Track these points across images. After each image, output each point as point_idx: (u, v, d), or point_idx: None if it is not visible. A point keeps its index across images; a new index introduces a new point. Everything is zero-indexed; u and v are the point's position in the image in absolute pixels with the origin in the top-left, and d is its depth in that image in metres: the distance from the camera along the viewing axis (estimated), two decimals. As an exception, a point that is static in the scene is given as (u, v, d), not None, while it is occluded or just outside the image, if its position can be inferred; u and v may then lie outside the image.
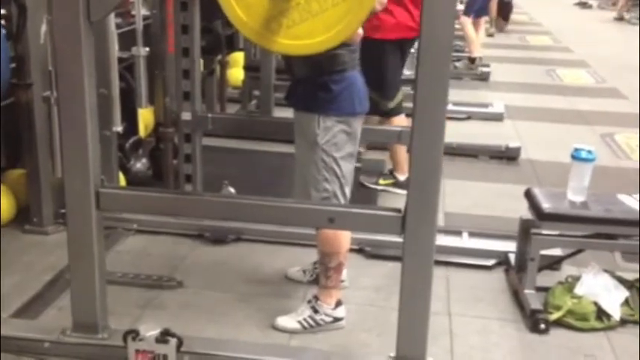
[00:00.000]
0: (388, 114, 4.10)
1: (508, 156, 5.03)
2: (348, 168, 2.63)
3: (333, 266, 2.72)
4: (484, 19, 8.43)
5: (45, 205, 3.54)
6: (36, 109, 3.41)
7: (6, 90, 3.30)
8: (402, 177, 4.21)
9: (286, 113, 2.78)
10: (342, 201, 2.61)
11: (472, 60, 7.89)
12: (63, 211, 2.44)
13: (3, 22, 3.23)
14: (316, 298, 2.78)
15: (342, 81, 2.53)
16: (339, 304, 2.79)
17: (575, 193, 3.01)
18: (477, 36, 8.09)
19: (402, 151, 4.18)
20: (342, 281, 3.04)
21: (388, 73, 4.05)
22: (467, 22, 7.86)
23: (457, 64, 7.90)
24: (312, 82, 2.53)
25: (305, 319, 2.75)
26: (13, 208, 3.63)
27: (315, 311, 2.76)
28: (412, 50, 4.33)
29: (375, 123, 3.99)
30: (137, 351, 2.29)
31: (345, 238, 2.73)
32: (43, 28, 3.31)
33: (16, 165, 3.74)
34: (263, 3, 1.85)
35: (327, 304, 2.76)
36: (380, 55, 3.91)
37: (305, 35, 1.91)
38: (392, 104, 4.11)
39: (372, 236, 3.33)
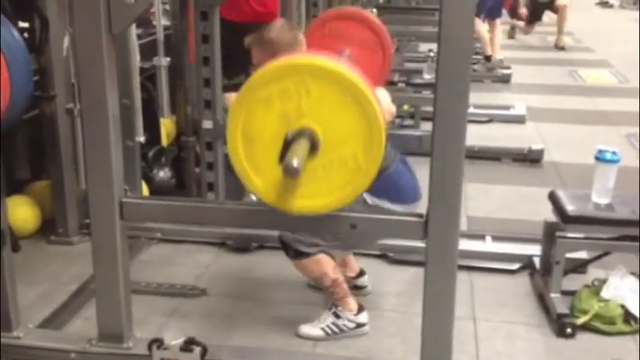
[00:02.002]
0: None
1: (531, 158, 4.99)
2: None
3: (329, 284, 2.73)
4: (499, 21, 8.37)
5: (70, 215, 3.58)
6: (59, 121, 3.45)
7: (30, 102, 3.34)
8: None
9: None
10: None
11: (487, 58, 7.88)
12: (87, 221, 2.46)
13: (26, 34, 3.27)
14: (337, 304, 2.77)
15: (386, 180, 2.52)
16: (361, 309, 2.78)
17: (600, 195, 2.98)
18: (494, 37, 8.07)
19: None
20: (364, 287, 3.05)
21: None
22: (477, 22, 7.86)
23: (476, 66, 7.87)
24: None
25: (328, 326, 2.75)
26: (39, 219, 3.67)
27: (338, 317, 2.75)
28: (432, 54, 4.34)
29: None
30: (162, 360, 2.30)
31: (324, 259, 2.70)
32: (66, 40, 3.34)
33: (41, 176, 3.78)
34: (272, 165, 1.92)
35: (348, 310, 2.76)
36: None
37: (309, 196, 1.98)
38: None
39: (394, 242, 3.32)
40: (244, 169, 1.98)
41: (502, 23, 11.40)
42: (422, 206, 2.16)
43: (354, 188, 1.97)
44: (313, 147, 1.90)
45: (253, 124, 1.93)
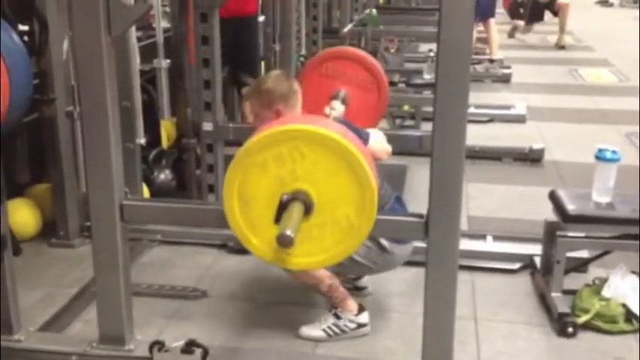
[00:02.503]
0: None
1: (532, 158, 4.99)
2: None
3: (326, 289, 2.74)
4: (493, 21, 8.36)
5: (70, 218, 3.58)
6: (59, 124, 3.45)
7: (29, 106, 3.34)
8: None
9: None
10: None
11: (491, 60, 7.93)
12: (88, 224, 2.46)
13: (25, 38, 3.27)
14: (337, 306, 2.77)
15: None
16: (361, 310, 2.78)
17: (601, 194, 2.98)
18: (490, 38, 8.08)
19: None
20: (364, 288, 3.05)
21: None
22: (491, 24, 7.93)
23: (477, 66, 7.88)
24: None
25: (329, 327, 2.75)
26: (39, 223, 3.67)
27: (339, 318, 2.75)
28: (432, 54, 4.36)
29: None
30: (163, 362, 2.30)
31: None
32: (65, 43, 3.35)
33: (42, 180, 3.78)
34: (268, 225, 1.99)
35: (349, 311, 2.76)
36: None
37: (304, 255, 2.04)
38: None
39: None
40: (240, 229, 2.06)
41: (501, 23, 11.46)
42: (422, 206, 2.16)
43: (347, 246, 2.04)
44: (307, 209, 1.97)
45: (249, 186, 2.01)
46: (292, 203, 1.95)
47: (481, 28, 8.49)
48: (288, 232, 1.86)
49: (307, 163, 1.96)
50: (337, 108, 3.19)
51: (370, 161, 2.01)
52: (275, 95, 2.63)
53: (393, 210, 2.73)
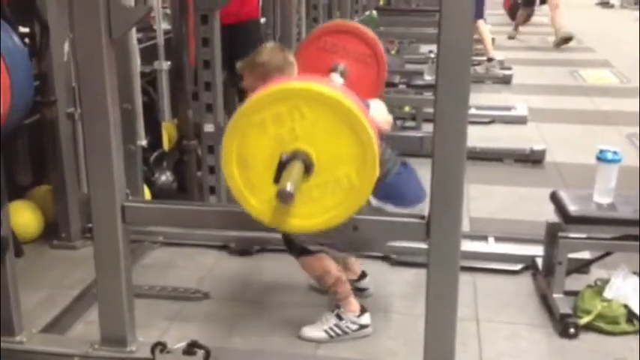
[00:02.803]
0: None
1: (533, 159, 4.99)
2: None
3: (332, 283, 2.74)
4: (482, 21, 8.32)
5: (72, 220, 3.58)
6: (60, 126, 3.45)
7: (30, 107, 3.35)
8: None
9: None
10: None
11: (489, 59, 7.96)
12: (90, 225, 2.46)
13: (26, 40, 3.28)
14: (339, 306, 2.77)
15: (390, 184, 2.54)
16: (363, 311, 2.78)
17: (602, 195, 2.98)
18: (483, 37, 8.07)
19: None
20: (365, 289, 3.04)
21: None
22: (481, 24, 7.93)
23: (477, 67, 7.87)
24: None
25: (331, 328, 2.75)
26: (41, 224, 3.68)
27: (340, 319, 2.75)
28: (432, 55, 4.36)
29: None
30: (165, 363, 2.30)
31: (325, 256, 2.71)
32: (66, 45, 3.35)
33: (43, 181, 3.78)
34: (267, 185, 1.96)
35: (351, 312, 2.76)
36: None
37: (305, 216, 2.02)
38: None
39: (396, 243, 3.32)
40: (240, 191, 2.02)
41: (502, 24, 11.48)
42: (424, 208, 2.16)
43: (348, 207, 2.01)
44: (307, 169, 1.94)
45: (248, 148, 1.98)
46: (292, 162, 1.92)
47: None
48: (288, 187, 1.83)
49: (307, 123, 1.92)
50: (336, 81, 3.16)
51: (371, 121, 1.97)
52: (270, 67, 2.59)
53: (399, 175, 2.68)
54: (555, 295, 2.91)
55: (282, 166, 1.94)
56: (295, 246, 2.69)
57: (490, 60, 7.88)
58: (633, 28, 10.86)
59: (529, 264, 3.28)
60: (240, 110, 1.97)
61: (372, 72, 3.38)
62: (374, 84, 3.39)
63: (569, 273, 2.95)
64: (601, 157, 2.96)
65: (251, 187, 2.01)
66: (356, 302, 2.79)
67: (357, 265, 3.09)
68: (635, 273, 2.95)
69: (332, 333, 2.75)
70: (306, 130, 1.93)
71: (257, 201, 2.01)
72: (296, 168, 1.91)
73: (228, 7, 3.82)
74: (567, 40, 10.18)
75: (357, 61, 3.34)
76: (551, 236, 2.99)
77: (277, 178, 1.93)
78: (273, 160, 1.96)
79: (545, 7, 11.12)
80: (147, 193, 3.86)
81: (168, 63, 3.70)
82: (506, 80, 7.70)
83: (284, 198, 1.85)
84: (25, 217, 3.59)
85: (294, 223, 2.03)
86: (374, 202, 2.59)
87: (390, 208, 2.63)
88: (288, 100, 1.93)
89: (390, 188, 2.57)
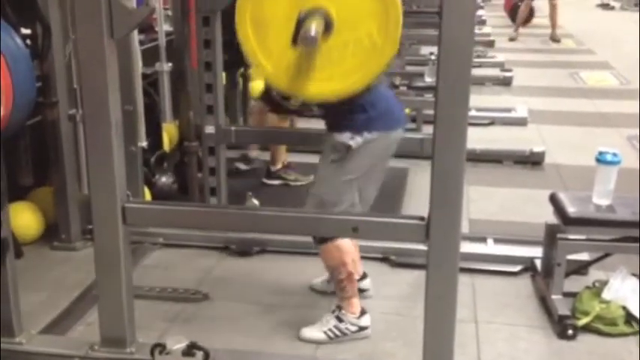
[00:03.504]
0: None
1: (533, 161, 4.99)
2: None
3: (344, 277, 2.73)
4: None
5: (73, 221, 3.59)
6: (62, 127, 3.46)
7: (32, 109, 3.36)
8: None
9: (309, 124, 2.80)
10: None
11: None
12: (90, 227, 2.47)
13: (28, 41, 3.29)
14: (340, 307, 2.78)
15: (372, 101, 2.47)
16: (363, 312, 2.79)
17: (601, 197, 2.99)
18: None
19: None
20: (367, 290, 3.05)
21: None
22: None
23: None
24: (342, 107, 2.42)
25: (330, 329, 2.76)
26: (41, 225, 3.68)
27: (340, 320, 2.76)
28: (433, 57, 4.36)
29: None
30: (165, 364, 2.31)
31: (346, 248, 2.71)
32: (68, 46, 3.36)
33: (44, 182, 3.79)
34: (284, 49, 1.87)
35: (351, 313, 2.77)
36: None
37: (324, 83, 1.93)
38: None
39: (396, 245, 3.33)
40: (255, 55, 1.92)
41: (502, 26, 11.49)
42: (423, 209, 2.16)
43: (369, 69, 1.91)
44: (327, 26, 1.83)
45: (263, 8, 1.87)
46: (311, 18, 1.81)
47: None
48: (313, 31, 1.72)
49: None
50: None
51: None
52: None
53: (385, 93, 2.62)
54: (554, 297, 2.92)
55: (300, 25, 1.83)
56: None
57: None
58: (633, 30, 10.86)
59: (528, 265, 3.29)
60: None
61: None
62: None
63: (567, 274, 2.96)
64: (600, 159, 2.97)
65: (267, 51, 1.91)
66: (358, 303, 2.80)
67: (360, 264, 3.10)
68: (633, 275, 2.96)
69: (331, 334, 2.76)
70: None
71: (273, 65, 1.92)
72: (317, 19, 1.79)
73: None
74: (557, 41, 10.81)
75: None
76: (550, 238, 3.00)
77: (295, 39, 1.82)
78: (290, 21, 1.85)
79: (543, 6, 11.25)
80: (147, 195, 3.87)
81: (170, 64, 3.70)
82: (506, 82, 7.70)
83: (308, 41, 1.74)
84: (25, 219, 3.60)
85: (312, 88, 1.93)
86: (354, 141, 2.51)
87: (368, 136, 2.53)
88: None
89: (378, 109, 2.51)
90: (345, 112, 2.48)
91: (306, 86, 1.92)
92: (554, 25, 10.97)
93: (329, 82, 1.92)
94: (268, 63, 1.92)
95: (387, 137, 2.59)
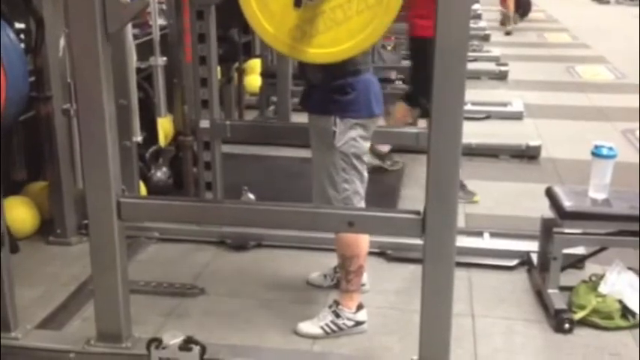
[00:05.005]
0: None
1: (529, 155, 5.00)
2: (364, 167, 2.65)
3: (354, 269, 2.72)
4: None
5: (68, 216, 3.58)
6: (56, 122, 3.45)
7: (26, 103, 3.35)
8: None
9: (303, 118, 2.78)
10: (361, 200, 2.64)
11: None
12: (86, 221, 2.46)
13: (22, 36, 3.27)
14: (337, 302, 2.78)
15: (358, 83, 2.53)
16: (360, 307, 2.79)
17: (597, 191, 2.99)
18: None
19: None
20: (363, 285, 3.04)
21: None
22: None
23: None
24: (327, 86, 2.53)
25: (327, 324, 2.75)
26: (37, 220, 3.67)
27: (337, 316, 2.76)
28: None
29: None
30: (161, 359, 2.30)
31: (364, 240, 2.73)
32: (62, 41, 3.34)
33: (39, 177, 3.78)
34: (287, 11, 1.84)
35: (348, 308, 2.76)
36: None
37: (329, 44, 1.89)
38: None
39: (392, 239, 3.33)
40: (257, 18, 1.89)
41: (497, 20, 11.50)
42: (419, 204, 2.16)
43: (375, 28, 1.88)
44: None
45: None
46: None
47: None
48: None
49: None
50: None
51: None
52: None
53: (369, 79, 2.60)
54: (550, 291, 2.92)
55: None
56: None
57: None
58: (629, 24, 10.89)
59: (524, 259, 3.29)
60: None
61: None
62: None
63: (564, 268, 2.96)
64: (596, 153, 2.97)
65: (269, 13, 1.87)
66: (359, 298, 2.79)
67: None
68: (629, 268, 2.96)
69: (328, 329, 2.75)
70: None
71: (276, 29, 1.88)
72: None
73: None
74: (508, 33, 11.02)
75: None
76: (547, 232, 3.00)
77: (297, 1, 1.80)
78: None
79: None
80: (142, 189, 3.86)
81: (164, 59, 3.69)
82: (502, 76, 7.70)
83: None
84: (20, 213, 3.59)
85: (318, 52, 1.90)
86: (341, 125, 2.53)
87: (352, 121, 2.55)
88: None
89: (361, 87, 2.52)
90: (330, 91, 2.50)
91: (310, 51, 1.89)
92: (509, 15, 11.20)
93: (334, 45, 1.89)
94: (270, 26, 1.88)
95: (366, 125, 2.59)
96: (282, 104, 5.31)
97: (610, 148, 2.95)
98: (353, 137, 2.56)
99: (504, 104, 6.30)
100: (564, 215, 2.89)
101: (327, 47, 1.90)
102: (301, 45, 1.87)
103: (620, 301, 2.83)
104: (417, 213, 2.16)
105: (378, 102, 2.63)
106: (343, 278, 2.78)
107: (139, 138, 3.61)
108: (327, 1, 1.81)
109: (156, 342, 2.31)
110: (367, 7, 1.85)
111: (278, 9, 1.86)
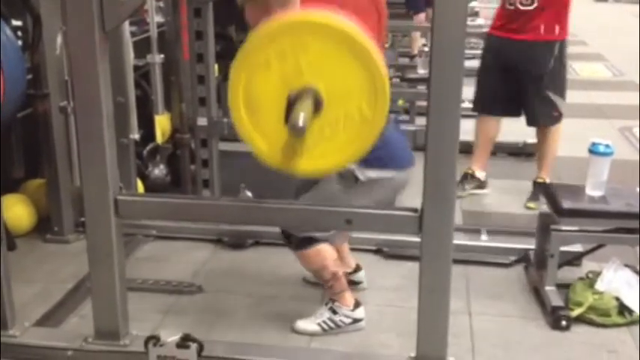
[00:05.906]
0: None
1: (526, 152, 5.00)
2: None
3: (329, 277, 2.73)
4: (423, 16, 8.09)
5: (65, 213, 3.58)
6: (53, 119, 3.45)
7: (23, 101, 3.34)
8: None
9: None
10: None
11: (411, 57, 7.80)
12: (83, 219, 2.46)
13: (19, 33, 3.27)
14: (334, 300, 2.78)
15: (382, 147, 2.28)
16: (357, 305, 2.79)
17: (594, 188, 2.99)
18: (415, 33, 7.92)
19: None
20: (359, 282, 3.05)
21: None
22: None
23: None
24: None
25: (324, 321, 2.76)
26: (34, 218, 3.67)
27: (335, 313, 2.76)
28: (426, 49, 4.35)
29: None
30: (158, 357, 2.30)
31: (324, 250, 2.69)
32: (59, 38, 3.34)
33: (36, 175, 3.78)
34: (278, 129, 1.89)
35: (345, 306, 2.76)
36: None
37: (318, 156, 1.95)
38: None
39: (389, 237, 3.33)
40: (250, 136, 1.94)
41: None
42: (417, 201, 2.16)
43: (362, 142, 1.93)
44: (317, 105, 1.86)
45: (254, 90, 1.90)
46: (300, 99, 1.85)
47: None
48: (300, 121, 1.76)
49: (311, 56, 1.85)
50: None
51: (377, 47, 1.90)
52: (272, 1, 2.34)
53: (394, 135, 2.60)
54: (547, 288, 2.93)
55: (291, 106, 1.86)
56: (295, 238, 2.69)
57: (412, 57, 7.75)
58: (628, 22, 10.90)
59: (521, 257, 3.30)
60: (243, 50, 1.88)
61: (373, 24, 3.27)
62: (375, 36, 3.28)
63: (561, 265, 2.97)
64: (593, 150, 2.98)
65: (261, 130, 1.93)
66: (351, 296, 2.80)
67: (352, 258, 3.10)
68: (626, 265, 2.97)
69: (325, 326, 2.76)
70: (311, 63, 1.85)
71: (267, 145, 1.94)
72: (306, 103, 1.83)
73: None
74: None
75: (357, 13, 3.23)
76: (544, 229, 3.01)
77: (287, 119, 1.85)
78: (281, 100, 1.87)
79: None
80: (140, 187, 3.86)
81: (162, 56, 3.69)
82: (500, 74, 7.67)
83: (296, 131, 1.78)
84: (17, 211, 3.59)
85: (308, 164, 1.95)
86: (363, 174, 2.54)
87: (383, 174, 2.57)
88: (289, 34, 1.85)
89: (387, 149, 2.47)
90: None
91: (301, 164, 1.95)
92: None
93: (323, 158, 1.96)
94: (263, 143, 1.95)
95: (395, 177, 2.60)
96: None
97: (607, 146, 2.96)
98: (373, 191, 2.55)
99: (502, 102, 6.28)
100: (561, 212, 2.90)
101: (316, 160, 1.96)
102: (293, 160, 1.94)
103: (617, 299, 2.84)
104: (415, 210, 2.15)
105: (404, 156, 2.64)
106: (325, 287, 2.79)
107: (136, 135, 3.61)
108: (315, 120, 1.86)
109: (154, 339, 2.31)
110: (353, 124, 1.90)
111: (269, 127, 1.92)
